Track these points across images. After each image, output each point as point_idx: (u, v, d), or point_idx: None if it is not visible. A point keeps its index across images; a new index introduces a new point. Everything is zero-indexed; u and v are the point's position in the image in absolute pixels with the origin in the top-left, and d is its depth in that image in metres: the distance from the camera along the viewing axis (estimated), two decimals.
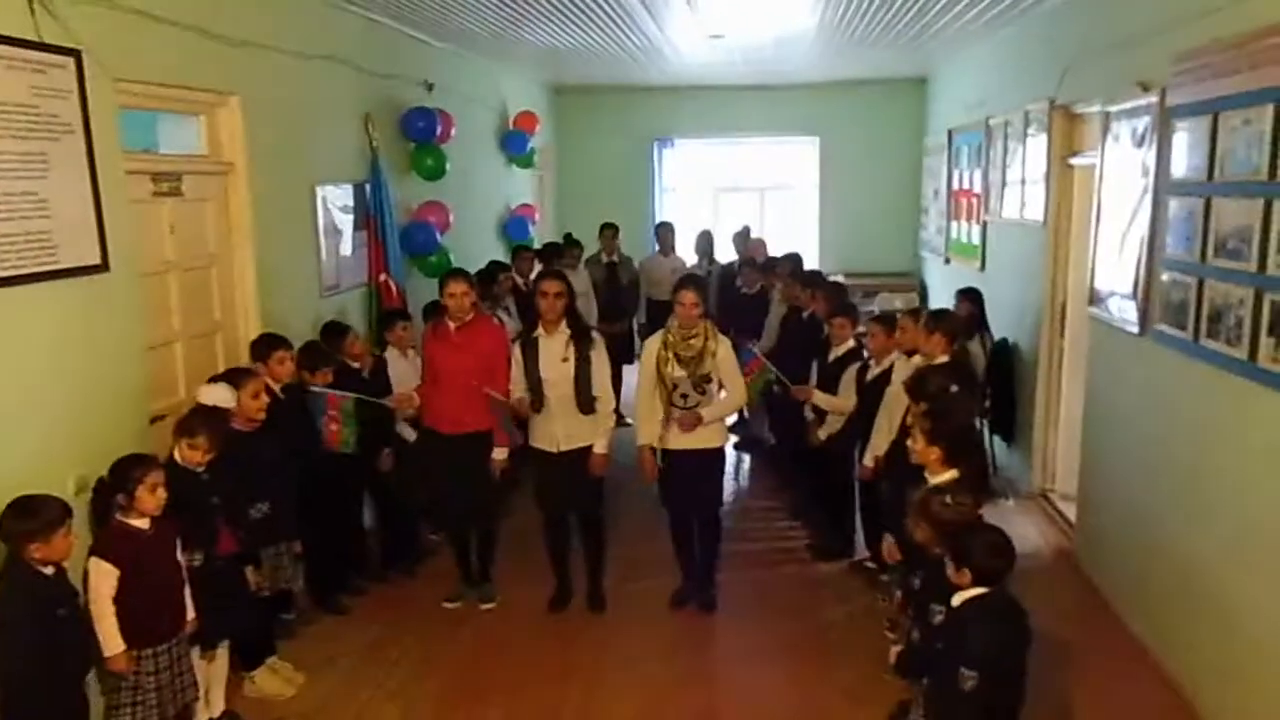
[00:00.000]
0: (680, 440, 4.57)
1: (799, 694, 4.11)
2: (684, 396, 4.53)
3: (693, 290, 4.53)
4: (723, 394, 4.66)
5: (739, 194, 11.44)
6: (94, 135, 3.45)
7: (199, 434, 3.50)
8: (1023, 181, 6.46)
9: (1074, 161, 5.77)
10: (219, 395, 3.74)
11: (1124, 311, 4.66)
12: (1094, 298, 5.11)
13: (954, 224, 8.62)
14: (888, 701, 3.71)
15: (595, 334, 4.73)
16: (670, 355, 4.54)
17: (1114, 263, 4.82)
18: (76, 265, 3.38)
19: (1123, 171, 4.73)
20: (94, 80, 3.45)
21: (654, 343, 4.64)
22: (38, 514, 2.89)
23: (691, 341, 4.53)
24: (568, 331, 4.58)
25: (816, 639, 4.58)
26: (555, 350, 4.56)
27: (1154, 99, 4.28)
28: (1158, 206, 4.28)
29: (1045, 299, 6.00)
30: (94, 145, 3.45)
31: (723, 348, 4.58)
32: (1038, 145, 6.12)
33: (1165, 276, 4.20)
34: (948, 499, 2.93)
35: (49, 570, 2.94)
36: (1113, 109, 4.85)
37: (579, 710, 4.01)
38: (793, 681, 4.21)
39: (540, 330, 4.61)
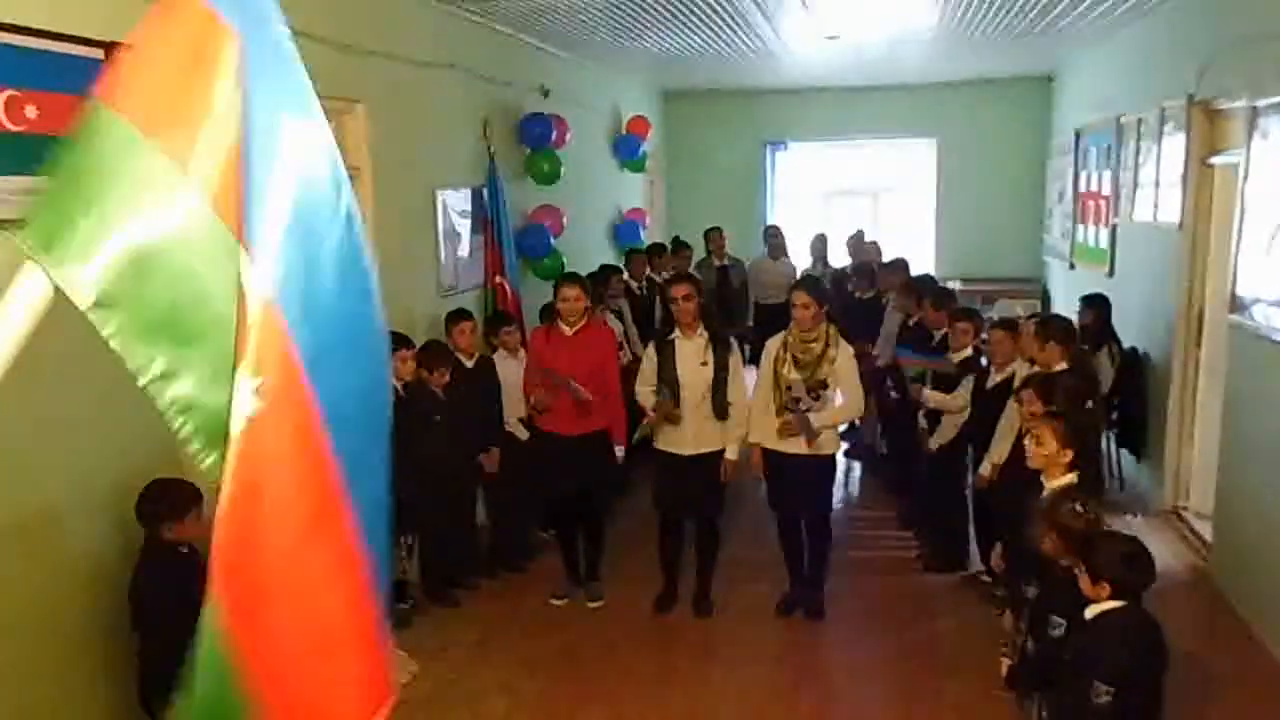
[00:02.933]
0: (793, 445, 4.51)
1: (906, 707, 4.00)
2: (796, 400, 4.46)
3: (806, 291, 4.47)
4: (839, 400, 4.55)
5: (853, 197, 11.25)
6: None
7: None
8: (1156, 183, 6.13)
9: (1214, 160, 5.45)
10: None
11: (1272, 319, 4.37)
12: (1236, 304, 4.81)
13: (1080, 228, 8.26)
14: (998, 718, 3.58)
15: (732, 339, 4.70)
16: (788, 356, 4.48)
17: (1260, 267, 4.53)
18: None
19: (1272, 169, 4.44)
20: None
21: (774, 343, 4.59)
22: (170, 496, 3.07)
23: (811, 345, 4.45)
24: (705, 335, 4.57)
25: (926, 652, 4.45)
26: (693, 354, 4.54)
27: None
28: None
29: (1180, 306, 5.68)
30: None
31: (842, 354, 4.47)
32: (1174, 144, 5.80)
33: None
34: (1077, 507, 2.80)
35: (184, 550, 3.12)
36: (1260, 103, 4.56)
37: (681, 713, 4.00)
38: (900, 694, 4.11)
39: (677, 332, 4.61)
